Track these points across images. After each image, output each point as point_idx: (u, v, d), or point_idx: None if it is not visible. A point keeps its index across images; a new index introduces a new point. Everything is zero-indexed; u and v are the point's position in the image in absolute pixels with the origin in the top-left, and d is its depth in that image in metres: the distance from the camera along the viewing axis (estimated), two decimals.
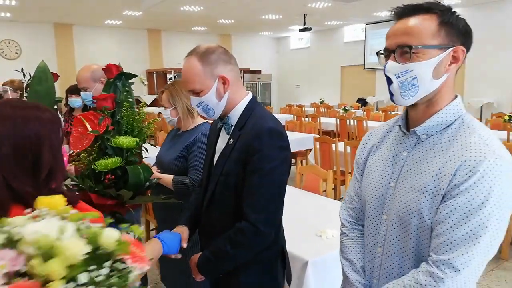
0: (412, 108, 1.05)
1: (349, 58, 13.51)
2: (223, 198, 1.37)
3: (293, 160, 5.90)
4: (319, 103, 12.40)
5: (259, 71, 15.69)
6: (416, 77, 0.96)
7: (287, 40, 16.26)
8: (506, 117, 5.85)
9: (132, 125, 1.63)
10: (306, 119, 8.92)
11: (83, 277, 0.53)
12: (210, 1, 9.04)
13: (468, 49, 1.01)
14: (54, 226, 0.57)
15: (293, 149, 5.64)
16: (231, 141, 1.37)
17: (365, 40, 13.62)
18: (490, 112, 9.11)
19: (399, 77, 0.98)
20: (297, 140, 5.80)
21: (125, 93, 1.65)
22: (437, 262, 0.90)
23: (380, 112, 9.39)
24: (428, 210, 0.96)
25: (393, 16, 1.02)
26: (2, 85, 4.59)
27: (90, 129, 1.51)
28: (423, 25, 0.97)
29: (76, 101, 4.03)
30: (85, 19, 11.29)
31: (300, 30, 11.10)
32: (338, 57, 13.96)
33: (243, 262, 1.33)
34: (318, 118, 8.67)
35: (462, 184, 0.91)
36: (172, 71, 13.19)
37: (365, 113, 9.65)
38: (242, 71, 14.96)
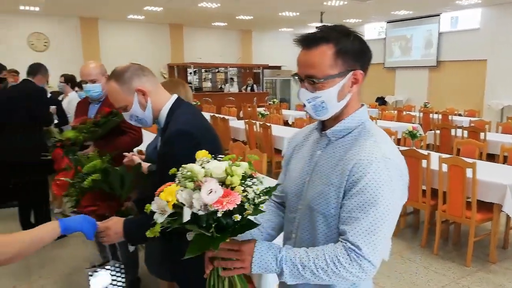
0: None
1: None
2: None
3: None
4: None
5: (279, 67, 15.75)
6: (324, 101, 1.13)
7: None
8: None
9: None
10: None
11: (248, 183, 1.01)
12: None
13: (366, 68, 1.17)
14: (223, 164, 1.02)
15: None
16: (160, 142, 1.56)
17: (385, 39, 13.49)
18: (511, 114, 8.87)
19: (310, 102, 1.14)
20: None
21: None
22: (352, 248, 1.05)
23: (393, 111, 9.32)
24: (333, 201, 1.12)
25: (299, 45, 1.16)
26: (60, 82, 4.91)
27: (69, 180, 1.83)
28: (322, 58, 1.10)
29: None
30: (109, 13, 11.69)
31: (317, 28, 11.10)
32: None
33: None
34: None
35: (356, 184, 1.07)
36: (192, 65, 13.47)
37: (380, 112, 9.58)
38: (261, 67, 15.08)
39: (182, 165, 1.03)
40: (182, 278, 1.61)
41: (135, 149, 2.85)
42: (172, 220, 0.99)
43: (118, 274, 1.61)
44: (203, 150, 1.09)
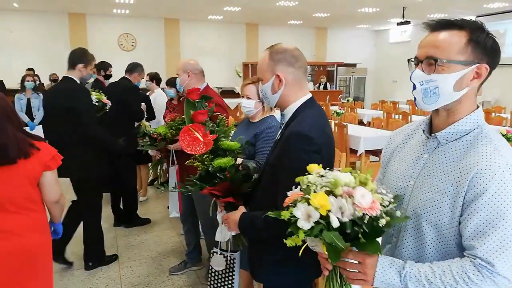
0: (435, 115, 1.16)
1: None
2: (265, 185, 1.57)
3: (376, 158, 5.83)
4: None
5: (354, 65, 15.36)
6: (438, 87, 1.06)
7: (386, 33, 15.60)
8: None
9: (222, 131, 1.89)
10: (397, 116, 8.60)
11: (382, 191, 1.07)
12: None
13: (493, 67, 1.08)
14: (346, 175, 1.05)
15: (374, 146, 5.61)
16: (279, 137, 1.57)
17: None
18: None
19: (422, 84, 1.08)
20: (378, 138, 5.71)
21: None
22: (482, 264, 0.99)
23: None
24: (447, 211, 1.05)
25: (427, 29, 1.11)
26: (147, 80, 5.35)
27: (201, 138, 1.73)
28: (452, 41, 1.05)
29: (169, 92, 4.58)
30: (190, 14, 12.27)
31: (398, 24, 10.62)
32: None
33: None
34: (409, 117, 8.30)
35: (480, 196, 0.99)
36: None
37: None
38: (335, 65, 14.82)
39: (318, 175, 1.08)
40: (262, 272, 1.66)
41: None
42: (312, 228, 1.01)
43: (232, 265, 1.76)
44: (315, 164, 1.12)
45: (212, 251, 1.83)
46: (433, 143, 1.15)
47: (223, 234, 1.76)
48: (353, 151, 5.86)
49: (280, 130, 1.60)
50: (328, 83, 14.19)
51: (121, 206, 4.45)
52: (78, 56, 3.15)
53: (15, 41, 11.33)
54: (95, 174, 3.25)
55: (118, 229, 4.33)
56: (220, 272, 1.81)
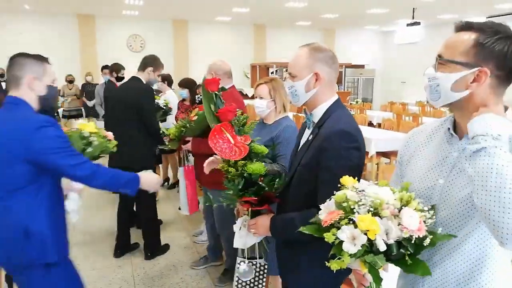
0: (454, 113, 1.18)
1: None
2: (298, 186, 1.56)
3: (387, 160, 5.78)
4: (426, 102, 11.67)
5: (362, 66, 15.28)
6: (439, 85, 1.11)
7: (394, 34, 15.47)
8: None
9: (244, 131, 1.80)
10: (407, 118, 8.53)
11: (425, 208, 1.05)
12: None
13: (502, 76, 1.05)
14: (386, 191, 1.04)
15: (385, 148, 5.56)
16: (311, 137, 1.55)
17: None
18: None
19: (430, 81, 1.13)
20: (389, 139, 5.66)
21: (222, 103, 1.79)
22: None
23: None
24: None
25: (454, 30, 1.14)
26: (159, 81, 5.35)
27: (231, 140, 1.62)
28: (458, 42, 1.07)
29: (181, 92, 4.57)
30: (199, 15, 12.28)
31: (408, 25, 10.54)
32: None
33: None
34: (419, 118, 8.22)
35: None
36: (274, 65, 13.60)
37: None
38: (343, 66, 14.76)
39: (365, 195, 1.04)
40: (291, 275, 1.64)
41: None
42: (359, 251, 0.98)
43: (262, 273, 1.70)
44: (350, 177, 1.11)
45: (238, 261, 1.74)
46: (464, 143, 1.13)
47: (244, 240, 1.69)
48: None
49: (310, 129, 1.58)
50: (336, 84, 14.09)
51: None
52: (150, 61, 3.46)
53: (25, 42, 11.39)
54: (146, 167, 3.37)
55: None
56: (248, 282, 1.75)
